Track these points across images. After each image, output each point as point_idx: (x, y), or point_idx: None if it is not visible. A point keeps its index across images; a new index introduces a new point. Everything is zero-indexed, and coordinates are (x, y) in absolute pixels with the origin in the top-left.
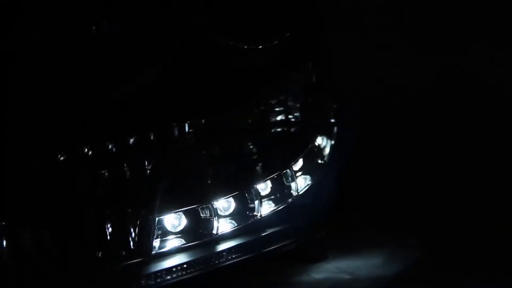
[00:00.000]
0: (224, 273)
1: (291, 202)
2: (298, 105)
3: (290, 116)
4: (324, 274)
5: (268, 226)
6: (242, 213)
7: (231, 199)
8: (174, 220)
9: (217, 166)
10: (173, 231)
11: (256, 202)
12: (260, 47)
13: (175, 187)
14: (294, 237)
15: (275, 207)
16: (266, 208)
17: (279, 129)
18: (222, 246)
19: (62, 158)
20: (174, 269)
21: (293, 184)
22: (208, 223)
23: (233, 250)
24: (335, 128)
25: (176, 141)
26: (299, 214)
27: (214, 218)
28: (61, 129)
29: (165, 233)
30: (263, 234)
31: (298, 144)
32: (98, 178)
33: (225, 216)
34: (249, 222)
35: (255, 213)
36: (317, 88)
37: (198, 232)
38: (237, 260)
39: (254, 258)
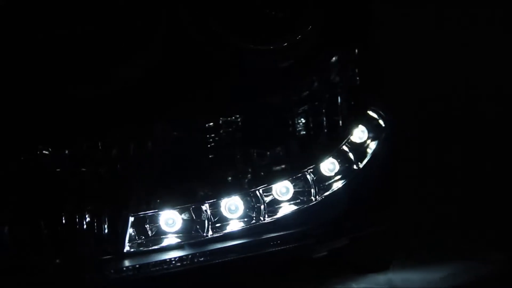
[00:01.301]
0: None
1: (306, 207)
2: (334, 105)
3: (322, 118)
4: (365, 285)
5: (269, 230)
6: (243, 216)
7: (234, 201)
8: (168, 219)
9: (229, 164)
10: (167, 230)
11: (262, 206)
12: (285, 44)
13: (174, 184)
14: (298, 243)
15: (280, 213)
16: (272, 212)
17: (308, 130)
18: (210, 248)
19: (38, 155)
20: (145, 266)
21: (312, 189)
22: (201, 224)
23: (220, 251)
24: (378, 132)
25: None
26: (313, 221)
27: (207, 219)
28: (37, 127)
29: (158, 231)
30: (258, 239)
31: (325, 147)
32: (75, 176)
33: (222, 218)
34: (248, 225)
35: (260, 217)
36: (360, 88)
37: (190, 233)
38: (222, 261)
39: (241, 261)
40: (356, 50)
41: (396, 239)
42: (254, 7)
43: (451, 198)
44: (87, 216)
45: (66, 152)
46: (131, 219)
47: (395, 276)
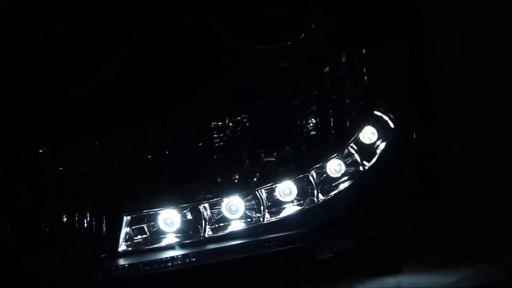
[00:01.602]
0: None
1: (309, 208)
2: (340, 106)
3: (327, 119)
4: (370, 286)
5: (270, 231)
6: (244, 216)
7: (235, 201)
8: (167, 219)
9: (230, 164)
10: (165, 229)
11: (263, 206)
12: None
13: (172, 184)
14: (299, 244)
15: (283, 213)
16: (274, 213)
17: (313, 131)
18: (208, 248)
19: (33, 155)
20: (139, 266)
21: (315, 190)
22: (200, 224)
23: (218, 251)
24: (386, 133)
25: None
26: (316, 221)
27: (204, 220)
28: (31, 126)
29: (157, 231)
30: (258, 239)
31: (330, 148)
32: (72, 175)
33: (223, 218)
34: (249, 226)
35: (261, 218)
36: (368, 88)
37: (189, 233)
38: (220, 261)
39: (242, 261)
40: (364, 50)
41: (404, 241)
42: (256, 7)
43: (458, 198)
44: (82, 215)
45: (65, 151)
46: (126, 218)
47: (404, 279)
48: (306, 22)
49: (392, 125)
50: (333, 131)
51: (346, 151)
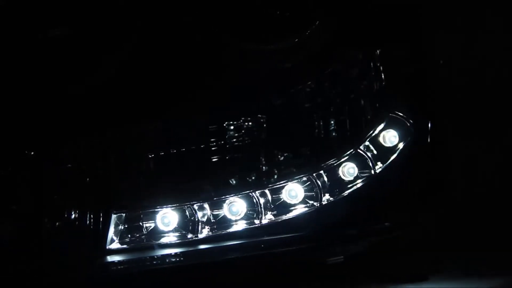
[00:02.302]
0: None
1: (315, 210)
2: (352, 107)
3: (337, 119)
4: None
5: (271, 232)
6: (245, 217)
7: (237, 201)
8: (165, 218)
9: (234, 165)
10: (161, 228)
11: (260, 208)
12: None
13: (168, 182)
14: (299, 246)
15: (284, 216)
16: (275, 216)
17: (325, 132)
18: (199, 248)
19: (30, 155)
20: (127, 264)
21: (320, 192)
22: (196, 224)
23: (213, 251)
24: (405, 135)
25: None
26: (320, 225)
27: (197, 221)
28: (23, 126)
29: (151, 230)
30: (255, 240)
31: (342, 149)
32: (68, 175)
33: (223, 219)
34: (249, 227)
35: (261, 218)
36: (384, 90)
37: (185, 233)
38: (215, 261)
39: (240, 261)
40: (367, 51)
41: (417, 245)
42: (256, 7)
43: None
44: (72, 213)
45: (64, 151)
46: (123, 216)
47: (425, 285)
48: (305, 22)
49: (411, 128)
50: (345, 132)
51: (358, 152)
